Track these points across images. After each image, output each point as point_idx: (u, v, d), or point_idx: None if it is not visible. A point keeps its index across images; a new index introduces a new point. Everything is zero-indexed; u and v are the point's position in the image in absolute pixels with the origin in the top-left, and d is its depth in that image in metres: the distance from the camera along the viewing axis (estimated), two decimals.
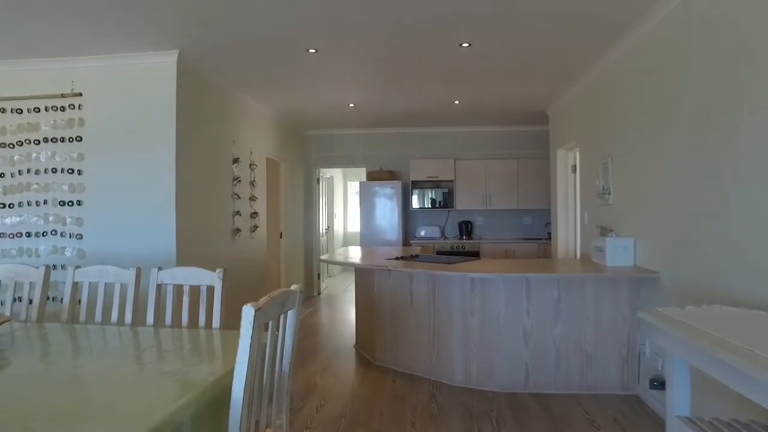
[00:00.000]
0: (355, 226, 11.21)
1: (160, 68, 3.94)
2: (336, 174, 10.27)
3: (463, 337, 3.63)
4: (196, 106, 4.28)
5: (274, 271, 7.18)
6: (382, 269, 3.90)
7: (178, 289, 2.51)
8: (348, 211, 11.23)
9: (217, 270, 2.33)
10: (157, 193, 3.92)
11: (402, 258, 4.28)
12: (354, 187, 11.22)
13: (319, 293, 7.91)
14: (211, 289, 2.32)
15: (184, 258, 4.00)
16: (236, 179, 5.00)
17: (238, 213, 5.01)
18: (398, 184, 7.05)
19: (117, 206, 3.95)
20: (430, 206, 7.20)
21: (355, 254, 4.92)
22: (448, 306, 3.70)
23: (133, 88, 3.97)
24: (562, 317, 3.47)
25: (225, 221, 4.78)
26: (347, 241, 11.15)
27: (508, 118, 6.85)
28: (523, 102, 5.86)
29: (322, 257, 4.55)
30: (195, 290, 2.79)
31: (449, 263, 3.90)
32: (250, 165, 5.42)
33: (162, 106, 3.94)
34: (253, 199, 5.44)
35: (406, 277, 3.92)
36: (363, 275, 4.50)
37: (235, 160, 4.99)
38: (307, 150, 7.74)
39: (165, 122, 3.93)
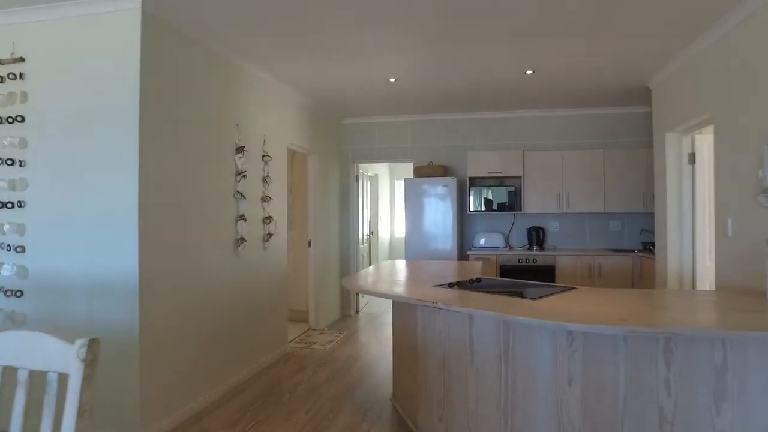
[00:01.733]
0: (402, 231, 9.95)
1: (121, 19, 2.86)
2: (381, 171, 9.06)
3: (555, 416, 2.29)
4: (179, 76, 3.18)
5: (300, 289, 6.05)
6: (427, 305, 2.62)
7: (10, 375, 1.28)
8: (395, 214, 9.99)
9: (78, 343, 1.14)
10: (118, 191, 2.84)
11: (458, 284, 2.98)
12: (402, 186, 9.97)
13: (357, 311, 6.72)
14: (65, 379, 1.14)
15: (151, 280, 2.89)
16: (240, 174, 3.88)
17: (242, 218, 3.88)
18: (452, 181, 5.73)
19: (69, 209, 2.91)
20: (491, 208, 5.83)
21: (393, 272, 3.67)
22: (529, 366, 2.36)
23: (90, 49, 2.91)
24: (731, 399, 2.05)
25: (223, 229, 3.67)
26: (394, 249, 9.91)
27: (593, 96, 5.37)
28: (617, 71, 4.39)
29: (346, 281, 3.33)
30: (40, 379, 1.30)
31: (526, 296, 2.56)
32: (263, 157, 4.29)
33: (123, 73, 2.86)
34: (265, 200, 4.30)
35: (464, 318, 2.62)
36: (403, 305, 3.24)
37: (240, 150, 3.87)
38: (343, 142, 6.58)
39: (126, 95, 2.85)
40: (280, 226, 4.62)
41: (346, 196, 6.55)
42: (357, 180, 6.69)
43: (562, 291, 2.74)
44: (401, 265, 4.24)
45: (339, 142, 6.53)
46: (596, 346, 2.18)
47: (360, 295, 6.75)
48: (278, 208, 4.60)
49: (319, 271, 5.72)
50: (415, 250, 5.77)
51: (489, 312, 2.25)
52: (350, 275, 3.57)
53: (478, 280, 3.19)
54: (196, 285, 3.32)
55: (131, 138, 2.82)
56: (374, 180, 8.45)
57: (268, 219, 4.31)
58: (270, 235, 4.34)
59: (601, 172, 5.67)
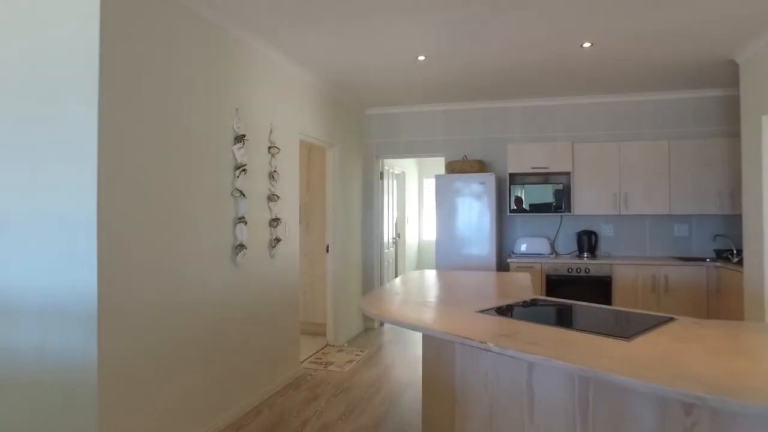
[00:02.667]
0: (431, 234, 9.23)
1: None
2: (408, 168, 8.36)
3: None
4: (157, 43, 2.56)
5: (317, 299, 5.41)
6: (474, 345, 1.92)
7: None
8: (423, 215, 9.28)
9: None
10: (71, 189, 2.23)
11: (509, 310, 2.27)
12: (431, 185, 9.25)
13: (381, 323, 6.04)
14: None
15: (116, 300, 2.28)
16: (240, 168, 3.25)
17: (242, 220, 3.25)
18: (490, 178, 4.98)
19: (11, 211, 2.32)
20: (535, 209, 5.07)
21: (423, 288, 2.98)
22: None
23: (37, 8, 2.32)
24: None
25: (218, 234, 3.04)
26: (423, 254, 9.19)
27: (660, 76, 4.56)
28: (697, 42, 3.59)
29: (366, 303, 2.64)
30: None
31: (614, 334, 1.83)
32: (269, 149, 3.65)
33: (79, 36, 2.25)
34: (272, 199, 3.66)
35: (522, 365, 1.91)
36: (434, 338, 2.54)
37: (239, 139, 3.24)
38: (366, 135, 5.91)
39: (83, 64, 2.24)
40: (290, 230, 3.98)
41: (369, 195, 5.88)
42: (381, 177, 6.02)
43: (658, 324, 1.99)
44: (432, 277, 3.54)
45: (362, 136, 5.87)
46: (732, 423, 1.44)
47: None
48: (288, 209, 3.96)
49: (338, 280, 5.07)
50: (447, 256, 5.06)
51: (569, 364, 1.53)
52: (371, 293, 2.88)
53: (533, 302, 2.47)
54: (179, 304, 2.70)
55: (88, 120, 2.21)
56: (401, 178, 7.77)
57: (275, 221, 3.67)
58: (278, 240, 3.71)
59: (666, 167, 4.83)
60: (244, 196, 3.26)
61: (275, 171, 3.70)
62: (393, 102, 5.52)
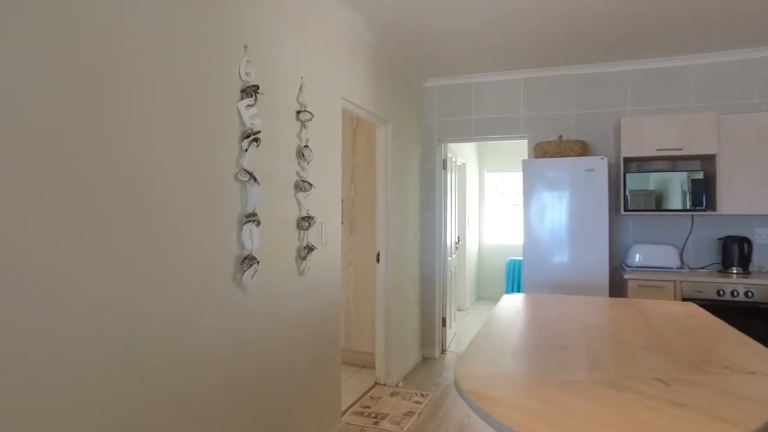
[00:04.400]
0: (495, 237, 7.90)
1: None
2: (469, 159, 7.09)
3: None
4: None
5: (363, 322, 4.25)
6: None
7: None
8: (483, 215, 7.96)
9: None
10: None
11: None
12: (493, 180, 7.94)
13: (443, 350, 4.80)
14: None
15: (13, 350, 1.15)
16: (250, 137, 2.08)
17: (252, 219, 2.08)
18: (601, 163, 3.64)
19: None
20: (660, 206, 3.69)
21: (550, 333, 1.73)
22: None
23: None
24: None
25: (211, 242, 1.89)
26: (484, 261, 7.87)
27: None
28: None
29: (469, 388, 1.44)
30: None
31: None
32: (299, 114, 2.49)
33: None
34: (302, 187, 2.49)
35: None
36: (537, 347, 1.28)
37: (249, 92, 2.08)
38: (426, 111, 4.69)
39: None
40: (330, 233, 2.81)
41: (429, 189, 4.65)
42: (444, 167, 4.78)
43: None
44: (545, 312, 2.28)
45: (420, 114, 4.65)
46: None
47: (448, 323, 4.83)
48: (326, 203, 2.78)
49: (391, 298, 3.87)
50: (538, 267, 3.76)
51: None
52: (469, 354, 1.67)
53: None
54: (142, 364, 1.56)
55: None
56: (462, 170, 6.50)
57: (306, 221, 2.50)
58: (310, 249, 2.53)
59: None
60: (255, 180, 2.10)
61: (306, 146, 2.53)
62: (460, 68, 4.28)
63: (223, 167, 1.96)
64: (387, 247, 3.85)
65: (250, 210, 2.08)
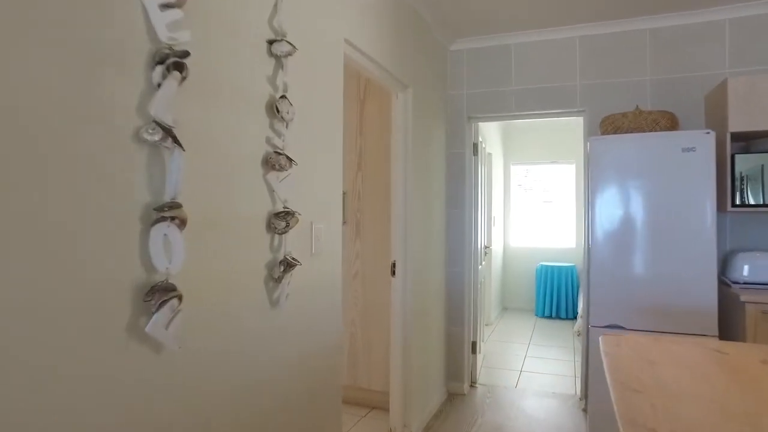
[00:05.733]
0: (523, 239, 6.89)
1: None
2: (494, 147, 6.11)
3: None
4: None
5: (373, 350, 3.29)
6: None
7: None
8: (509, 213, 6.96)
9: None
10: None
11: None
12: (520, 174, 6.95)
13: (472, 383, 3.81)
14: None
15: None
16: (169, 62, 1.11)
17: (168, 216, 1.11)
18: (706, 139, 2.60)
19: None
20: None
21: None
22: None
23: None
24: None
25: (80, 260, 0.93)
26: (510, 267, 6.86)
27: None
28: None
29: None
30: None
31: None
32: (271, 44, 1.51)
33: None
34: (276, 164, 1.51)
35: None
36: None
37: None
38: (453, 81, 3.70)
39: None
40: (325, 237, 1.83)
41: (458, 180, 3.67)
42: (476, 152, 3.80)
43: None
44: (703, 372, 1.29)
45: (445, 84, 3.67)
46: None
47: (477, 348, 3.84)
48: (318, 191, 1.81)
49: (411, 321, 2.89)
50: (611, 281, 2.75)
51: None
52: None
53: None
54: None
55: None
56: (489, 161, 5.52)
57: (282, 219, 1.52)
58: (289, 264, 1.55)
59: None
60: (177, 143, 1.13)
61: (284, 98, 1.55)
62: (496, 25, 3.30)
63: (110, 112, 0.99)
64: (405, 254, 2.88)
65: (167, 197, 1.12)
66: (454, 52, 3.67)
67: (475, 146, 3.78)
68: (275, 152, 1.51)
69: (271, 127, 1.52)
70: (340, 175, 1.98)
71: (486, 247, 4.53)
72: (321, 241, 1.80)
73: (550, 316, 6.26)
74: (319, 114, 1.80)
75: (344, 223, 3.30)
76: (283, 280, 1.53)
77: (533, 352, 4.67)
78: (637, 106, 2.89)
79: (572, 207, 6.65)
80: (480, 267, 4.02)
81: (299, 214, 1.65)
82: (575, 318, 6.17)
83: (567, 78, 3.39)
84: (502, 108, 3.56)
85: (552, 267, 6.31)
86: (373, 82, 3.23)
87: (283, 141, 1.56)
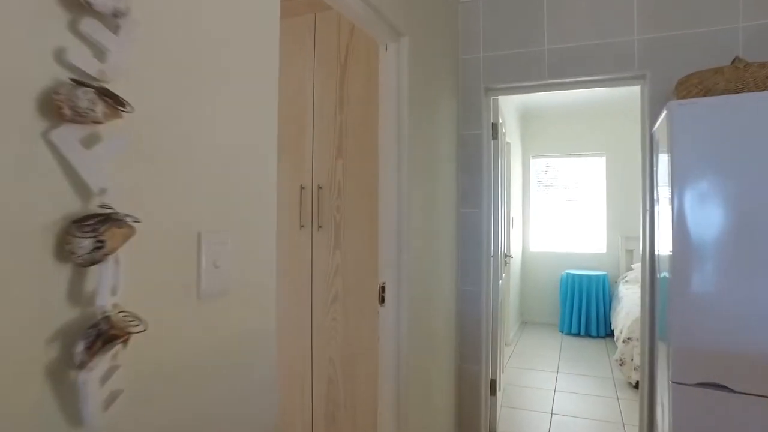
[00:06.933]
0: (544, 243, 6.00)
1: None
2: (512, 137, 5.24)
3: None
4: None
5: (359, 401, 2.42)
6: None
7: None
8: (529, 214, 6.08)
9: None
10: None
11: None
12: (539, 169, 6.07)
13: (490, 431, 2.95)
14: None
15: None
16: None
17: None
18: None
19: None
20: None
21: None
22: None
23: None
24: None
25: None
26: (530, 275, 5.96)
27: None
28: None
29: None
30: None
31: None
32: None
33: None
34: (80, 113, 0.67)
35: None
36: None
37: None
38: (467, 42, 2.83)
39: None
40: (229, 261, 0.98)
41: (474, 170, 2.80)
42: (495, 135, 2.93)
43: None
44: None
45: (455, 43, 2.81)
46: None
47: (498, 386, 2.97)
48: (213, 166, 0.95)
49: (407, 366, 2.03)
50: (707, 304, 1.87)
51: None
52: None
53: None
54: None
55: None
56: (507, 151, 4.64)
57: (92, 228, 0.67)
58: (116, 332, 0.70)
59: None
60: None
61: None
62: None
63: None
64: (399, 273, 2.02)
65: None
66: (466, 4, 2.81)
67: (495, 127, 2.91)
68: (78, 83, 0.66)
69: (72, 28, 0.67)
70: (274, 143, 1.12)
71: (507, 256, 3.66)
72: (224, 269, 0.95)
73: (578, 334, 5.37)
74: (218, 11, 0.95)
75: (320, 227, 2.45)
76: (95, 369, 0.67)
77: (564, 385, 3.80)
78: (737, 57, 2.01)
79: (602, 206, 5.76)
80: (500, 282, 3.15)
81: (134, 221, 0.80)
82: (606, 336, 5.27)
83: (620, 32, 2.51)
84: (530, 75, 2.68)
85: (579, 275, 5.42)
86: (359, 37, 2.37)
87: (108, 60, 0.71)
